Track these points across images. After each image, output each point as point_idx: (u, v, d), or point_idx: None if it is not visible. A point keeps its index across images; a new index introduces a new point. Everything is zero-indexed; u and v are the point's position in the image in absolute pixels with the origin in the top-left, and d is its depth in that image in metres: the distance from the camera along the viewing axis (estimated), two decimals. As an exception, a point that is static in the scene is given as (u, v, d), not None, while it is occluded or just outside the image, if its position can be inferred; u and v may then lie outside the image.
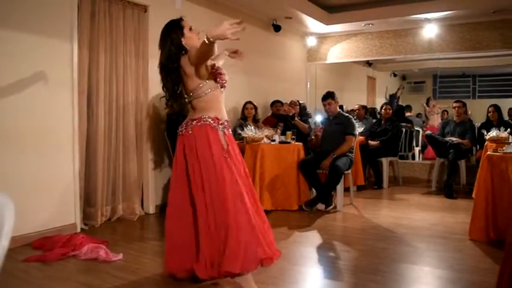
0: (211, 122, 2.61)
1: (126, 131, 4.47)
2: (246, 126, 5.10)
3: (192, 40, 2.64)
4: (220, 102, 2.71)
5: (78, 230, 3.93)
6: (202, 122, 2.61)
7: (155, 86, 4.71)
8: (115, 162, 4.42)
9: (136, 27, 4.53)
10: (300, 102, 6.61)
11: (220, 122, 2.64)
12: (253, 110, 5.78)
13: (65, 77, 3.85)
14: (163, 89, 2.71)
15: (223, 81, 2.69)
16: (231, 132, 2.76)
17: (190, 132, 2.61)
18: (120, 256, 3.23)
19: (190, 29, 2.67)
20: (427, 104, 9.13)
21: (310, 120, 6.67)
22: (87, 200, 4.22)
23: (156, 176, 4.84)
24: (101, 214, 4.23)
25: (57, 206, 3.80)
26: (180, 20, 2.67)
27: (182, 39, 2.61)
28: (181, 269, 2.67)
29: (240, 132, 5.14)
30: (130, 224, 4.34)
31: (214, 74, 2.65)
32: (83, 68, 4.03)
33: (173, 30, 2.63)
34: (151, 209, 4.76)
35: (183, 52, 2.59)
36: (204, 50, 2.37)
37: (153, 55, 4.67)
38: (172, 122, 4.60)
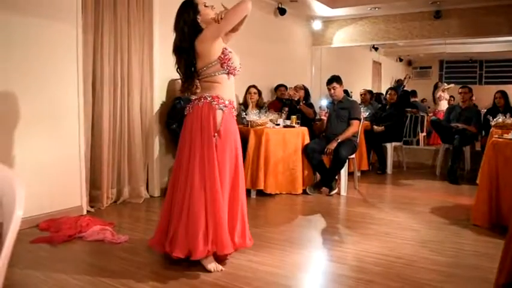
0: (211, 99, 2.62)
1: (131, 113, 4.47)
2: (247, 113, 5.08)
3: (208, 16, 2.65)
4: (227, 85, 2.70)
5: (84, 213, 3.96)
6: (202, 100, 2.64)
7: (160, 69, 4.72)
8: (120, 145, 4.44)
9: (141, 10, 4.49)
10: (305, 86, 6.59)
11: (220, 101, 2.64)
12: (257, 95, 5.69)
13: (70, 60, 3.84)
14: (177, 71, 2.74)
15: (231, 68, 2.66)
16: (234, 114, 2.77)
17: (191, 111, 2.67)
18: (126, 238, 3.27)
19: (205, 5, 2.67)
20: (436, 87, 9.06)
21: (312, 103, 6.65)
22: (93, 183, 4.25)
23: (162, 158, 4.86)
24: (106, 197, 4.27)
25: (63, 188, 3.84)
26: None
27: (198, 17, 2.63)
28: (158, 246, 2.77)
29: (244, 116, 5.13)
30: (135, 207, 4.38)
31: (222, 60, 2.63)
32: (88, 51, 4.01)
33: (185, 10, 2.64)
34: (157, 192, 4.79)
35: (198, 30, 2.61)
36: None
37: (158, 38, 4.66)
38: (175, 110, 4.61)
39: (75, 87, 3.89)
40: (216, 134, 2.59)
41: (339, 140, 4.87)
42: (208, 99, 2.62)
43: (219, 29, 2.58)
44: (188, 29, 2.61)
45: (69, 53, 3.83)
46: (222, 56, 2.63)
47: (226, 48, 2.66)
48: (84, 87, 3.99)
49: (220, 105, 2.64)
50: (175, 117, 4.59)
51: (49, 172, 3.72)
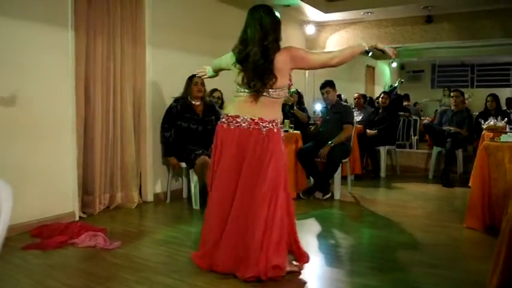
0: (281, 126, 2.77)
1: (124, 118, 4.45)
2: None
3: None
4: None
5: (77, 218, 3.93)
6: (278, 127, 2.72)
7: (153, 72, 4.70)
8: (113, 150, 4.41)
9: (133, 12, 4.46)
10: (299, 91, 6.60)
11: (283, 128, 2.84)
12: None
13: (62, 64, 3.82)
14: (254, 60, 2.59)
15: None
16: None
17: (263, 133, 2.65)
18: (118, 244, 3.25)
19: None
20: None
21: (306, 107, 6.66)
22: (85, 188, 4.21)
23: (155, 163, 4.83)
24: (99, 202, 4.23)
25: (55, 194, 3.81)
26: None
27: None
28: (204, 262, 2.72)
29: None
30: (128, 212, 4.35)
31: (290, 82, 2.78)
32: (80, 55, 3.98)
33: (277, 21, 2.70)
34: (150, 197, 4.76)
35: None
36: (356, 53, 2.80)
37: (151, 41, 4.64)
38: (171, 114, 4.59)
39: (67, 91, 3.86)
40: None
41: (332, 144, 4.87)
42: (280, 125, 2.75)
43: (292, 64, 2.70)
44: (278, 38, 2.67)
45: (61, 57, 3.81)
46: (291, 79, 2.77)
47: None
48: (77, 91, 3.96)
49: (283, 132, 2.80)
50: (171, 122, 4.56)
51: (40, 177, 3.69)
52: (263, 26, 2.61)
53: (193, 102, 4.61)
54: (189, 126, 4.52)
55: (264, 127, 2.65)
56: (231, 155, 2.68)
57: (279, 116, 2.77)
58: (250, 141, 2.65)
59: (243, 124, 2.66)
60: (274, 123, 2.69)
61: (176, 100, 4.61)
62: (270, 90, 2.64)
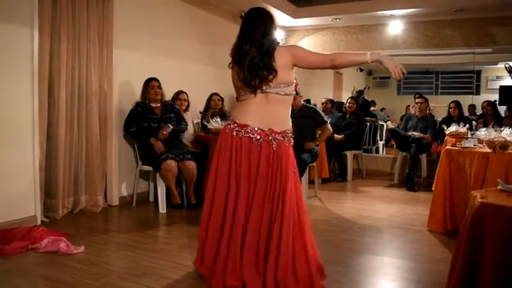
0: (291, 136, 2.62)
1: (89, 120, 4.37)
2: (208, 121, 5.09)
3: None
4: None
5: (39, 223, 3.82)
6: (287, 137, 2.58)
7: (119, 75, 4.64)
8: (77, 153, 4.33)
9: (100, 15, 4.40)
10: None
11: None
12: (220, 102, 5.68)
13: (25, 64, 3.71)
14: (252, 56, 2.51)
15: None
16: None
17: (274, 147, 2.51)
18: (82, 249, 3.18)
19: None
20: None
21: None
22: (48, 192, 4.11)
23: (120, 167, 4.76)
24: (62, 206, 4.13)
25: (16, 197, 3.69)
26: None
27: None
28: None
29: (206, 124, 5.11)
30: (93, 216, 4.27)
31: (296, 82, 2.65)
32: (44, 56, 3.89)
33: (274, 23, 2.64)
34: (115, 201, 4.69)
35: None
36: (357, 62, 2.66)
37: (118, 43, 4.58)
38: (133, 116, 4.56)
39: (30, 92, 3.76)
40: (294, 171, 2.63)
41: (317, 143, 5.14)
42: (290, 135, 2.60)
43: (292, 61, 2.57)
44: (275, 37, 2.60)
45: (24, 58, 3.70)
46: (296, 78, 2.65)
47: None
48: (40, 92, 3.86)
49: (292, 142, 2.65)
50: (134, 122, 4.55)
51: (1, 181, 3.57)
52: (265, 26, 2.58)
53: (152, 105, 4.63)
54: (150, 125, 4.54)
55: (274, 139, 2.51)
56: (238, 165, 2.51)
57: (289, 124, 2.62)
58: (261, 155, 2.50)
59: (251, 136, 2.50)
60: (284, 134, 2.55)
61: (137, 103, 4.63)
62: (274, 86, 2.51)
